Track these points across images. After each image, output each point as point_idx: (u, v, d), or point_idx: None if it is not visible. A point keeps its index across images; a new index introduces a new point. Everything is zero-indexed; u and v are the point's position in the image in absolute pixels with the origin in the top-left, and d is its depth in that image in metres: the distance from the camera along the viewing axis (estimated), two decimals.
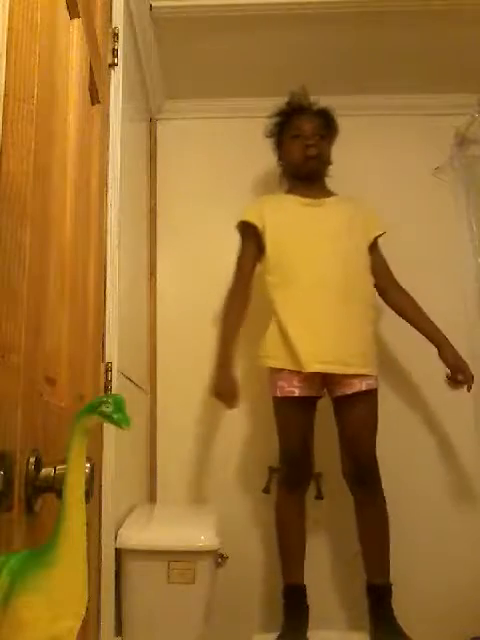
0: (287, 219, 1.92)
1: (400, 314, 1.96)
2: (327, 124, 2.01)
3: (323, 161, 1.98)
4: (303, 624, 1.74)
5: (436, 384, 2.18)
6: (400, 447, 2.14)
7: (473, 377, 1.84)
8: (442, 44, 2.10)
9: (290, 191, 2.02)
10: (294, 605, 1.79)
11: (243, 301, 1.92)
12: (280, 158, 2.07)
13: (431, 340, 1.89)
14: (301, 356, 1.77)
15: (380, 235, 1.98)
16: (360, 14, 1.97)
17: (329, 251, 1.85)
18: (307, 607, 1.79)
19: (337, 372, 1.78)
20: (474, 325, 2.26)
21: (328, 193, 2.00)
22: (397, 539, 1.86)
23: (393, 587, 1.76)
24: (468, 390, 1.84)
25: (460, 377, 1.83)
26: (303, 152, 1.94)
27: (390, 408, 2.14)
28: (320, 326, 1.79)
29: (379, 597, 1.76)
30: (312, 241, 1.87)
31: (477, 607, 1.99)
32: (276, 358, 1.83)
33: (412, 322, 1.93)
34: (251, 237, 1.95)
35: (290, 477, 1.85)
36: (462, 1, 1.93)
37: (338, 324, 1.79)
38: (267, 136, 2.07)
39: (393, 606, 1.74)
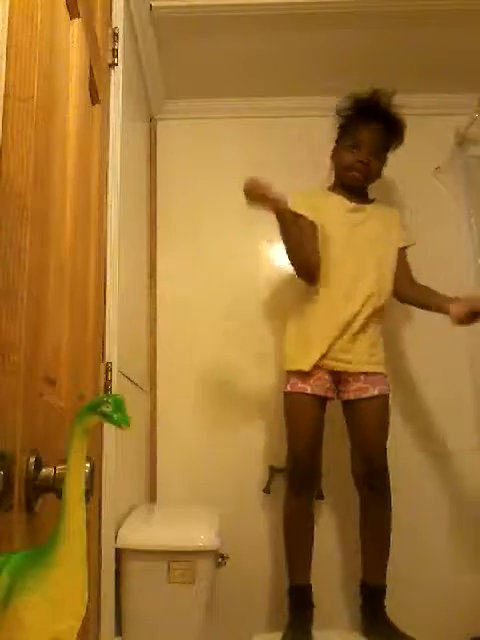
0: (331, 219, 1.93)
1: (419, 305, 1.95)
2: (390, 136, 1.98)
3: (368, 179, 2.00)
4: (308, 622, 1.76)
5: (436, 380, 2.19)
6: (401, 447, 2.14)
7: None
8: (442, 44, 2.10)
9: (334, 189, 2.03)
10: (300, 604, 1.79)
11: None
12: (333, 157, 2.05)
13: (440, 309, 1.78)
14: (326, 354, 1.80)
15: (406, 247, 2.02)
16: (360, 14, 1.97)
17: (367, 255, 1.90)
18: (313, 606, 1.79)
19: (367, 370, 1.82)
20: (474, 325, 2.25)
21: (368, 199, 2.04)
22: (397, 539, 1.86)
23: (393, 586, 1.77)
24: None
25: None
26: (352, 167, 1.94)
27: (392, 404, 2.14)
28: (349, 326, 1.83)
29: (375, 597, 1.78)
30: (353, 244, 1.91)
31: (477, 607, 1.99)
32: (299, 360, 1.84)
33: (426, 304, 1.88)
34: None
35: (298, 477, 1.84)
36: (462, 1, 1.93)
37: (364, 326, 1.84)
38: (337, 113, 2.03)
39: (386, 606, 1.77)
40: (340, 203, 1.97)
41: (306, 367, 1.81)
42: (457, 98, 2.35)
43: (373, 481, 1.81)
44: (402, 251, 2.01)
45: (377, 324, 1.90)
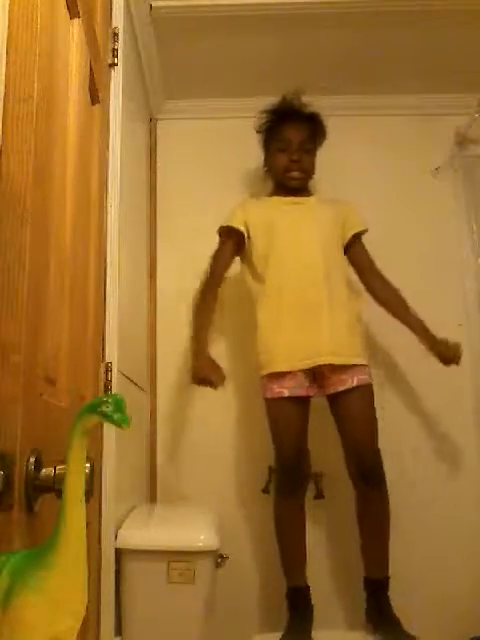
0: (271, 216, 1.96)
1: (385, 307, 1.96)
2: (315, 132, 2.04)
3: (306, 176, 2.02)
4: (307, 624, 1.75)
5: (436, 381, 2.19)
6: (401, 446, 2.14)
7: (460, 348, 1.84)
8: (442, 44, 2.10)
9: (273, 194, 2.07)
10: (298, 606, 1.79)
11: (214, 298, 1.95)
12: (265, 164, 2.11)
13: (418, 335, 1.88)
14: (292, 354, 1.79)
15: (361, 233, 2.00)
16: (360, 14, 1.97)
17: (314, 245, 1.89)
18: (311, 607, 1.79)
19: (328, 363, 1.78)
20: (474, 325, 2.26)
21: (309, 194, 2.06)
22: (398, 539, 1.86)
23: (394, 586, 1.77)
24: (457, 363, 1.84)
25: (454, 357, 1.83)
26: (288, 168, 1.98)
27: (392, 405, 2.14)
28: (310, 320, 1.81)
29: (378, 590, 1.78)
30: (296, 235, 1.92)
31: (477, 607, 1.99)
32: (268, 364, 1.83)
33: (397, 315, 1.93)
34: (230, 239, 1.99)
35: (285, 481, 1.84)
36: (462, 1, 1.93)
37: (326, 316, 1.82)
38: (257, 131, 2.10)
39: (390, 599, 1.76)
40: (278, 200, 2.01)
41: (277, 368, 1.81)
42: (457, 98, 2.35)
43: (367, 475, 1.79)
44: (357, 238, 2.00)
45: (344, 314, 1.85)
